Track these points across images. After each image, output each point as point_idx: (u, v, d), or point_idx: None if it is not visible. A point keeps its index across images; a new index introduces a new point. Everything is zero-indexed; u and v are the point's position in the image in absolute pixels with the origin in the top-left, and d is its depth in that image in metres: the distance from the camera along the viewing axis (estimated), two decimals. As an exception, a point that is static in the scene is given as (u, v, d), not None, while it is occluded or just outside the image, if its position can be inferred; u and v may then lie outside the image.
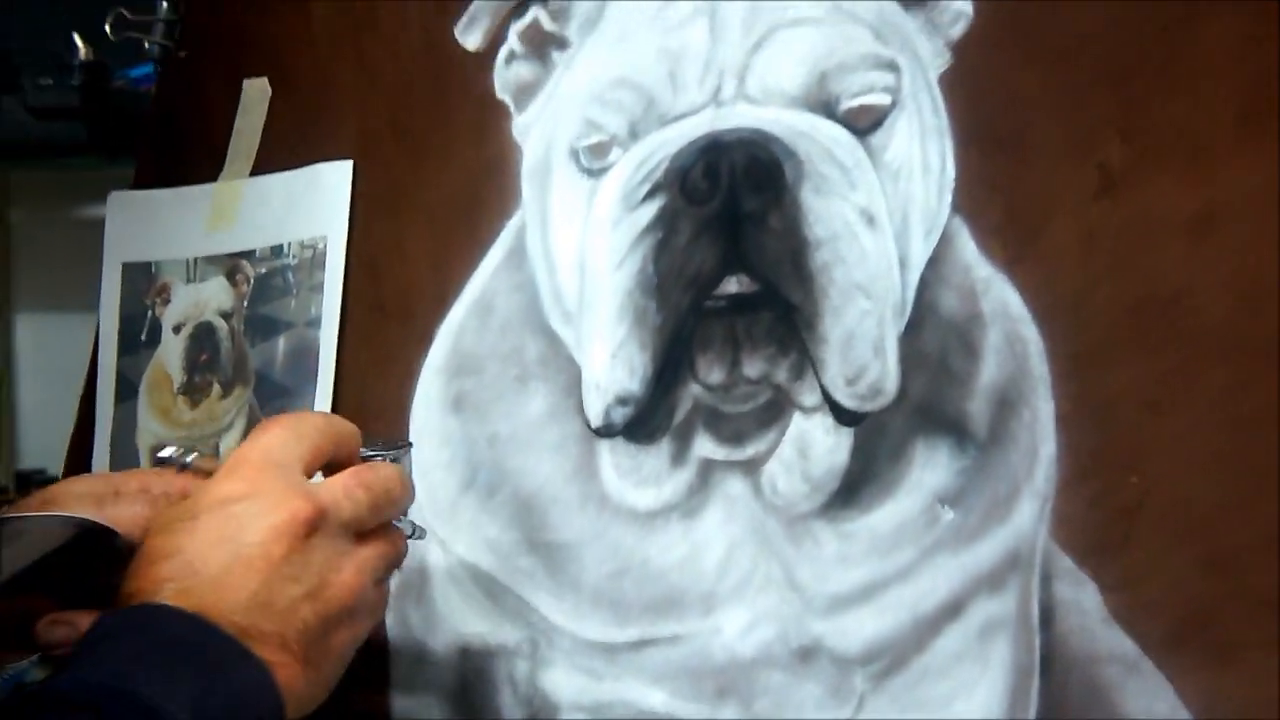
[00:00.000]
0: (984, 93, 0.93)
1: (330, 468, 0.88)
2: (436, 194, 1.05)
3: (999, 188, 0.92)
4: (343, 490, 0.85)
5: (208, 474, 0.87)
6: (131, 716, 0.72)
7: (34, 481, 2.24)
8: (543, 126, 1.02)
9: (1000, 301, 0.91)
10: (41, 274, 2.37)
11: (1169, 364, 0.86)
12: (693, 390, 0.94)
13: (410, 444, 0.93)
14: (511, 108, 1.04)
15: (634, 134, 0.97)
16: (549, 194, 1.01)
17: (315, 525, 0.82)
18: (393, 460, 0.91)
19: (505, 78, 1.05)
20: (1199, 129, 0.87)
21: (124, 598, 0.80)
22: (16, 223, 2.36)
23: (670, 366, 0.94)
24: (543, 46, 1.04)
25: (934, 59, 0.94)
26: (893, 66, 0.94)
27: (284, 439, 0.85)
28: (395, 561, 0.89)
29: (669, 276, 0.93)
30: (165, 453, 0.91)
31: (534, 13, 1.04)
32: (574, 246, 0.99)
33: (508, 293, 1.02)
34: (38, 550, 0.86)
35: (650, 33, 0.99)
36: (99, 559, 0.87)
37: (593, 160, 0.98)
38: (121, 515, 0.88)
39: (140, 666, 0.74)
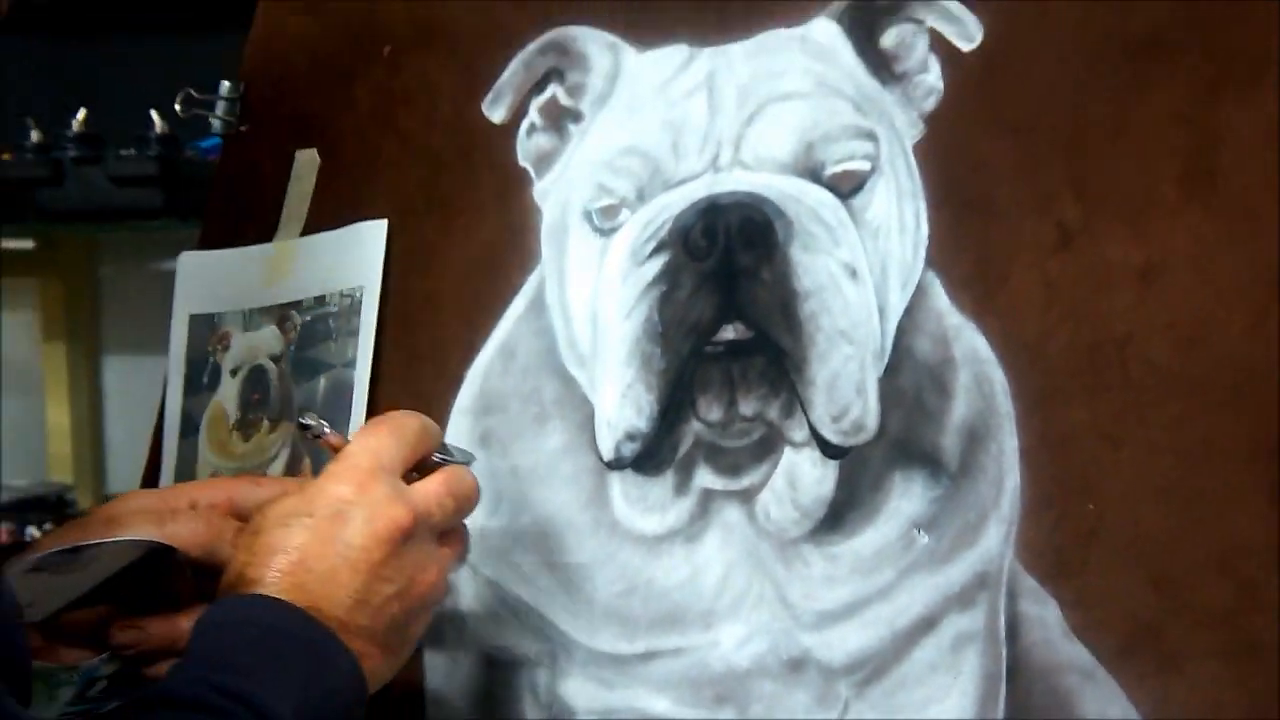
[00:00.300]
0: (953, 159, 0.93)
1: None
2: (465, 252, 1.06)
3: (967, 244, 0.92)
4: (435, 499, 0.87)
5: (335, 448, 0.89)
6: (246, 717, 0.74)
7: (119, 508, 2.26)
8: (560, 191, 1.03)
9: (970, 346, 0.91)
10: (126, 322, 2.39)
11: (1121, 402, 0.86)
12: (694, 427, 0.94)
13: (474, 458, 0.95)
14: (532, 174, 1.05)
15: (641, 197, 0.98)
16: (565, 251, 1.01)
17: (411, 533, 0.84)
18: (465, 464, 0.92)
19: (526, 147, 1.05)
20: (1145, 189, 0.87)
21: (241, 580, 0.82)
22: (104, 277, 2.39)
23: (674, 406, 0.94)
24: (560, 119, 1.04)
25: (909, 129, 0.95)
26: (872, 136, 0.95)
27: (388, 443, 0.87)
28: (464, 556, 0.92)
29: (672, 325, 0.94)
30: (307, 420, 0.93)
31: (552, 90, 1.05)
32: (587, 298, 0.99)
33: (528, 339, 1.02)
34: (108, 569, 0.88)
35: (655, 106, 1.00)
36: (160, 573, 0.90)
37: (604, 221, 0.99)
38: (179, 532, 0.89)
39: (252, 662, 0.77)
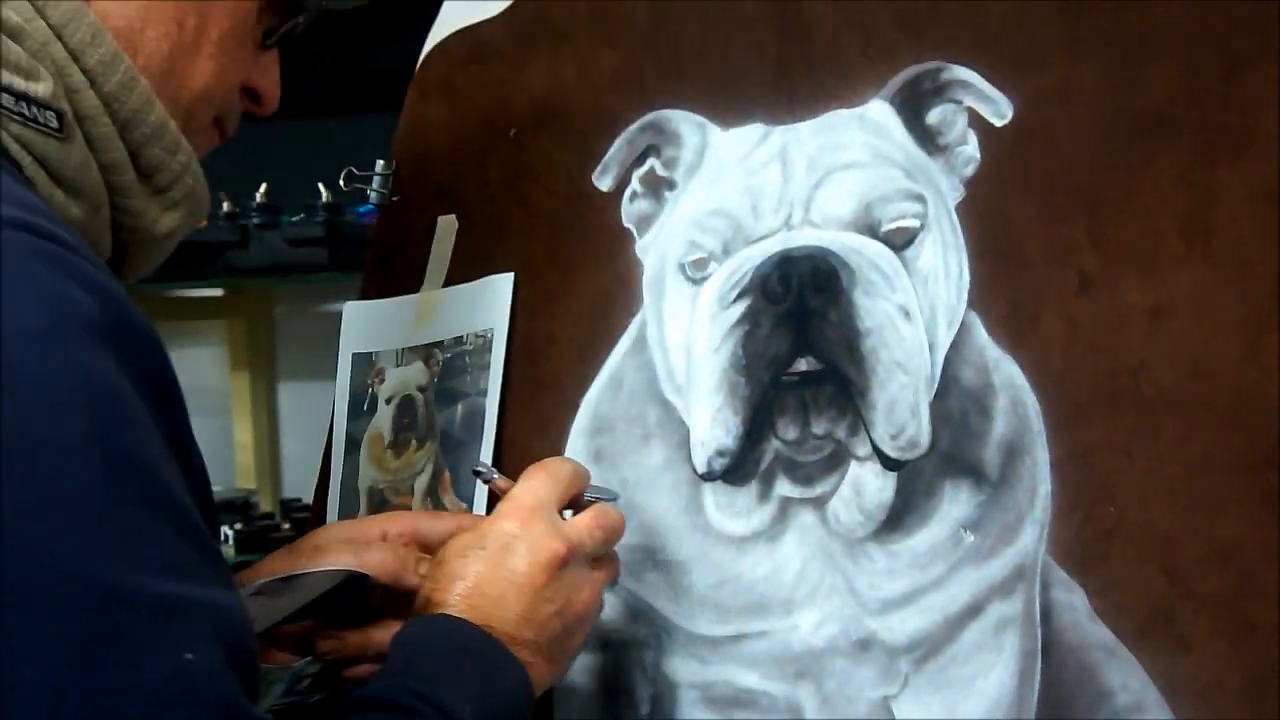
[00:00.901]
0: (989, 217, 0.95)
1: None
2: (579, 299, 1.08)
3: (1002, 289, 0.93)
4: (587, 531, 0.90)
5: (503, 490, 0.93)
6: (433, 717, 0.78)
7: (292, 508, 2.31)
8: (658, 247, 1.05)
9: (1007, 375, 0.92)
10: (298, 355, 2.45)
11: (1135, 421, 0.87)
12: (774, 445, 0.96)
13: (618, 495, 0.97)
14: (634, 234, 1.07)
15: (726, 251, 1.00)
16: (663, 297, 1.04)
17: (567, 560, 0.88)
18: (611, 501, 0.95)
19: (629, 211, 1.07)
20: (1154, 242, 0.89)
21: (428, 603, 0.86)
22: (279, 317, 2.44)
23: (756, 427, 0.96)
24: (657, 188, 1.07)
25: (952, 192, 0.96)
26: (921, 199, 0.97)
27: (547, 484, 0.91)
28: (615, 577, 0.94)
29: (754, 359, 0.96)
30: (479, 468, 0.98)
31: (651, 162, 1.07)
32: (682, 337, 1.01)
33: (633, 371, 1.04)
34: (314, 592, 0.94)
35: (737, 175, 1.02)
36: (355, 594, 0.95)
37: (695, 272, 1.01)
38: (371, 560, 0.94)
39: (438, 670, 0.81)
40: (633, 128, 1.08)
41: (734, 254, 1.00)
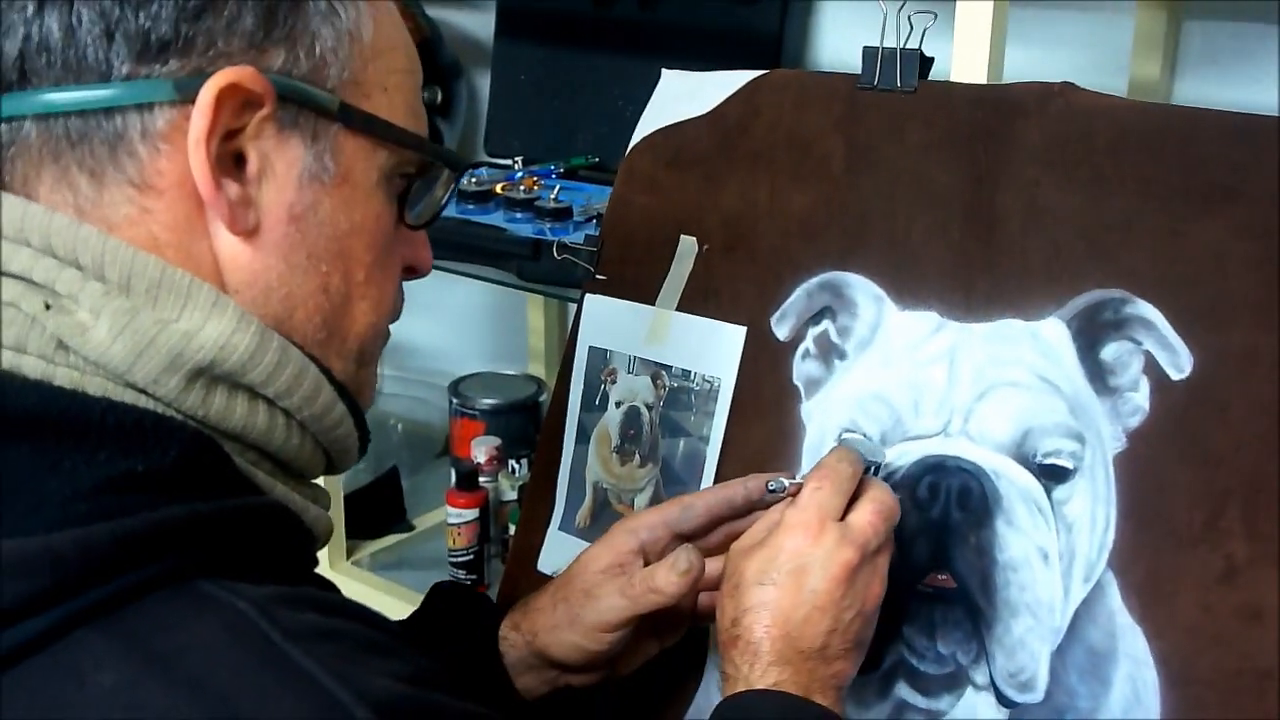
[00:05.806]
0: (1145, 477, 0.93)
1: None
2: (743, 446, 1.10)
3: (1144, 556, 0.92)
4: (871, 529, 0.91)
5: (793, 495, 0.94)
6: None
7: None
8: (821, 416, 1.07)
9: (1133, 645, 0.92)
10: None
11: (1256, 730, 0.87)
12: (900, 648, 0.99)
13: (884, 455, 0.99)
14: (802, 393, 1.08)
15: (884, 441, 1.02)
16: (820, 470, 1.05)
17: (859, 565, 0.90)
18: (879, 465, 0.97)
19: (800, 369, 1.09)
20: (1313, 546, 0.86)
21: (740, 627, 0.90)
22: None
23: (887, 627, 0.96)
24: (828, 353, 1.08)
25: (1112, 440, 0.94)
26: (1080, 439, 0.95)
27: (830, 493, 0.92)
28: (892, 552, 0.95)
29: (895, 561, 0.96)
30: (773, 486, 0.98)
31: (826, 325, 1.08)
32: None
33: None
34: None
35: (905, 365, 1.02)
36: None
37: (854, 453, 1.02)
38: (644, 595, 0.99)
39: None
40: (813, 282, 1.09)
41: (890, 445, 1.01)
